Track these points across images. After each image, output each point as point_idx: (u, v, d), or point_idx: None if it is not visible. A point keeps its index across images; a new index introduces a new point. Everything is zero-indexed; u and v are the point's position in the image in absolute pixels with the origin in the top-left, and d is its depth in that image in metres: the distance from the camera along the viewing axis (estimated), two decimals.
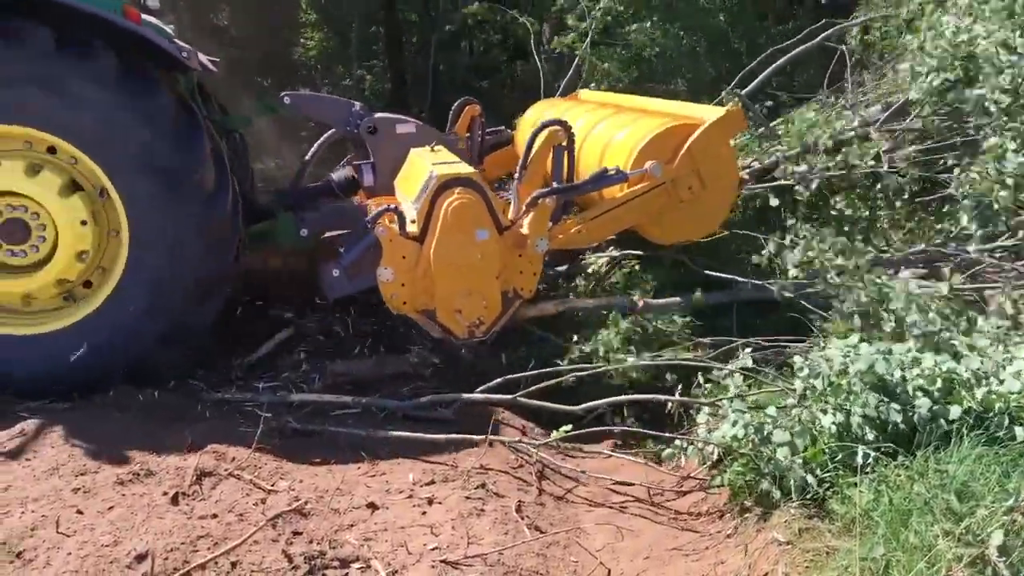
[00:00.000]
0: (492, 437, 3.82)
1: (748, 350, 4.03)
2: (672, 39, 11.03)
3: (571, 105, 6.58)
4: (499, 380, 4.49)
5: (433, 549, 2.98)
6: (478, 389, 4.29)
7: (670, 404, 4.10)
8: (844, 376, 3.10)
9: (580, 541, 3.34)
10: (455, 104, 6.19)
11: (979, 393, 2.90)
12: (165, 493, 3.21)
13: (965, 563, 2.12)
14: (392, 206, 4.38)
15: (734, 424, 3.35)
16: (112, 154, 3.97)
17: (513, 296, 4.59)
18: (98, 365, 4.06)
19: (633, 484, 3.81)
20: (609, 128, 5.30)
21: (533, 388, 4.27)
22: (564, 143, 4.64)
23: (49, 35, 3.79)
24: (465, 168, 4.55)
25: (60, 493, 3.18)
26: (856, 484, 2.83)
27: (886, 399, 2.98)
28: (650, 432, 3.95)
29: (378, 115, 5.35)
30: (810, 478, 3.04)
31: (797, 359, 3.47)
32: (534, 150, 4.64)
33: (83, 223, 4.04)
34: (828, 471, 3.01)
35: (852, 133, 5.67)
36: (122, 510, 3.06)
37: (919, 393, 2.95)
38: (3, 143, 3.97)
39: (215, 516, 3.11)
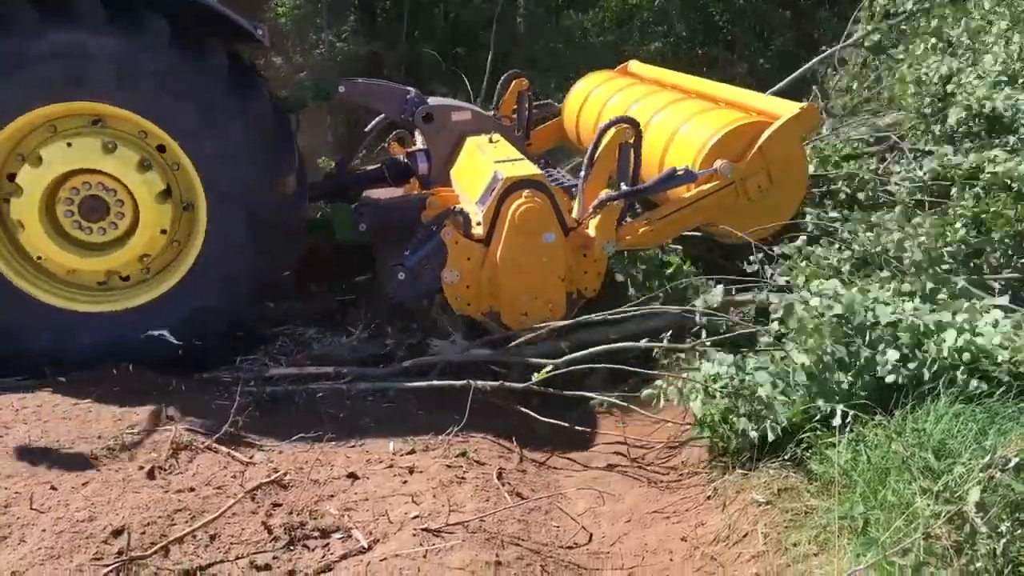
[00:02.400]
0: (476, 382, 3.85)
1: (720, 288, 4.02)
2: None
3: (627, 82, 6.28)
4: (481, 340, 4.48)
5: (414, 517, 2.97)
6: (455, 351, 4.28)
7: (656, 352, 4.09)
8: (820, 319, 3.10)
9: (562, 506, 3.35)
10: (503, 78, 6.10)
11: (950, 341, 2.92)
12: (141, 467, 3.16)
13: (943, 520, 2.13)
14: (457, 207, 4.36)
15: (712, 363, 3.36)
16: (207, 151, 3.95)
17: (577, 297, 4.53)
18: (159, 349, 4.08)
19: (616, 443, 3.83)
20: (672, 118, 5.11)
21: (517, 341, 4.24)
22: (631, 140, 4.52)
23: (165, 26, 3.74)
24: (531, 168, 4.48)
25: (34, 469, 3.12)
26: (834, 444, 2.85)
27: (859, 343, 3.00)
28: (630, 369, 3.90)
29: (433, 101, 5.22)
30: (783, 415, 3.06)
31: (773, 299, 3.46)
32: (601, 147, 4.51)
33: (162, 232, 4.08)
34: (806, 431, 3.03)
35: None
36: (97, 485, 3.01)
37: (895, 337, 2.98)
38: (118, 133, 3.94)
39: (192, 489, 3.07)
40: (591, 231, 4.49)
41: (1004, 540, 2.12)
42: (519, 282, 4.29)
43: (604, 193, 4.47)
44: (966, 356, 2.93)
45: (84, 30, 3.67)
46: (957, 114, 5.19)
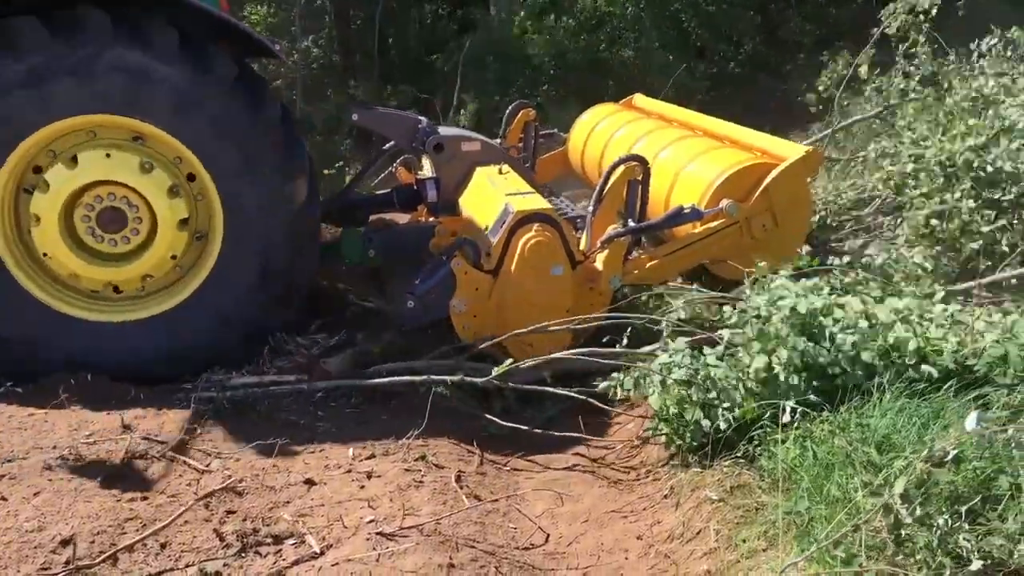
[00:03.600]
0: (434, 377, 3.82)
1: (681, 301, 4.09)
2: (617, 6, 11.02)
3: (632, 116, 6.46)
4: (446, 348, 4.49)
5: (369, 522, 2.97)
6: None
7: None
8: (770, 322, 3.14)
9: (520, 507, 3.36)
10: (509, 108, 6.27)
11: (897, 332, 2.97)
12: (94, 477, 3.14)
13: (876, 512, 2.16)
14: (468, 239, 4.42)
15: (668, 353, 3.39)
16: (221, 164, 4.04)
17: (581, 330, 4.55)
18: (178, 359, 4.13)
19: (577, 443, 3.84)
20: (678, 155, 5.21)
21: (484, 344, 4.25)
22: (640, 178, 4.61)
23: (175, 35, 3.83)
24: (542, 202, 4.53)
25: None
26: (783, 440, 2.88)
27: (811, 342, 3.04)
28: (585, 356, 3.92)
29: (443, 131, 5.31)
30: (736, 407, 3.08)
31: (726, 309, 3.50)
32: (610, 183, 4.60)
33: (172, 256, 4.16)
34: (758, 428, 3.06)
35: None
36: (49, 495, 2.99)
37: (842, 333, 3.02)
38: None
39: (145, 498, 3.06)
40: (598, 265, 4.54)
41: (940, 532, 2.15)
42: (526, 314, 4.27)
43: (612, 229, 4.55)
44: (912, 345, 2.98)
45: (152, 54, 3.80)
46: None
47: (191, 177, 4.09)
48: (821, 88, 7.51)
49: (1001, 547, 2.23)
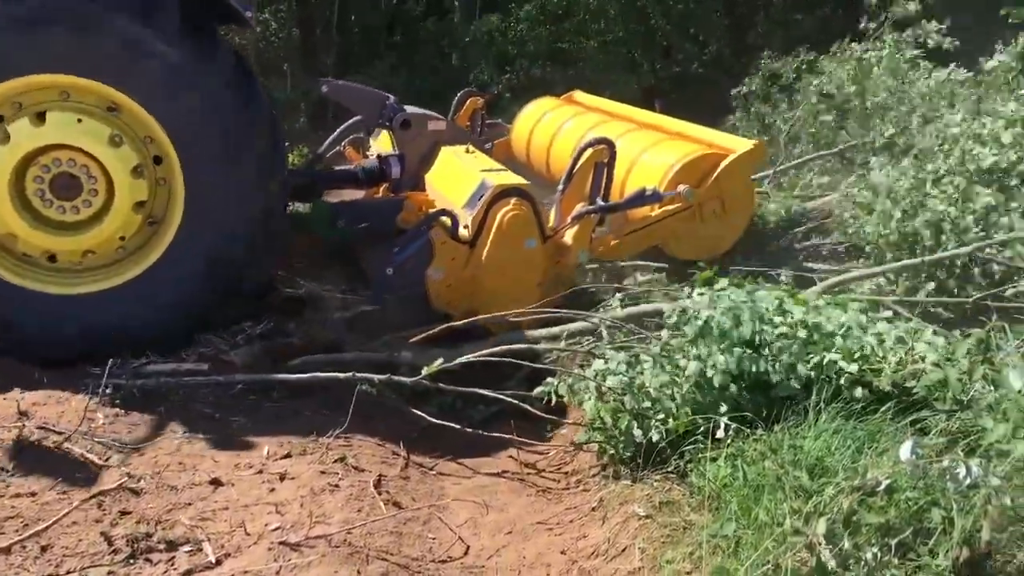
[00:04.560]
0: (359, 375, 3.62)
1: (618, 296, 3.99)
2: None
3: (576, 110, 6.77)
4: (375, 343, 4.32)
5: (275, 529, 2.78)
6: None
7: (556, 354, 4.00)
8: (708, 326, 3.02)
9: (442, 516, 3.19)
10: (458, 95, 6.42)
11: (837, 345, 2.87)
12: None
13: (799, 548, 2.04)
14: (448, 209, 4.54)
15: (605, 360, 3.27)
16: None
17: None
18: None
19: (509, 448, 3.68)
20: (631, 145, 5.53)
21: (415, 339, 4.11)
22: (606, 160, 4.87)
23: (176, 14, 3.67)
24: (518, 178, 4.74)
25: None
26: (715, 458, 2.76)
27: (748, 350, 2.93)
28: (520, 362, 3.79)
29: (410, 110, 5.43)
30: (669, 419, 2.96)
31: (665, 308, 3.38)
32: (579, 164, 4.85)
33: (121, 238, 3.97)
34: (690, 440, 2.94)
35: None
36: None
37: (778, 343, 2.92)
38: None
39: (33, 495, 2.83)
40: (568, 240, 4.78)
41: (868, 568, 2.04)
42: (499, 284, 4.47)
43: (580, 206, 4.79)
44: (852, 368, 2.88)
45: (151, 29, 3.65)
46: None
47: (157, 160, 3.91)
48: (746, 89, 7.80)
49: None
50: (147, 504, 2.87)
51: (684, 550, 2.62)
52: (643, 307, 4.10)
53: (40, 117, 3.70)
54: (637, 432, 3.09)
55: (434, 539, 3.03)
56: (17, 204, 3.77)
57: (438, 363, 3.61)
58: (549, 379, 3.59)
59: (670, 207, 5.08)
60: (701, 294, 3.43)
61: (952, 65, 6.33)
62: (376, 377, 3.64)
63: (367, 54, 12.23)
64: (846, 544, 2.07)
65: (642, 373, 3.24)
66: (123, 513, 2.79)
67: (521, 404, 3.65)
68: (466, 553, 2.97)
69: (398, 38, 13.18)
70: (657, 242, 5.28)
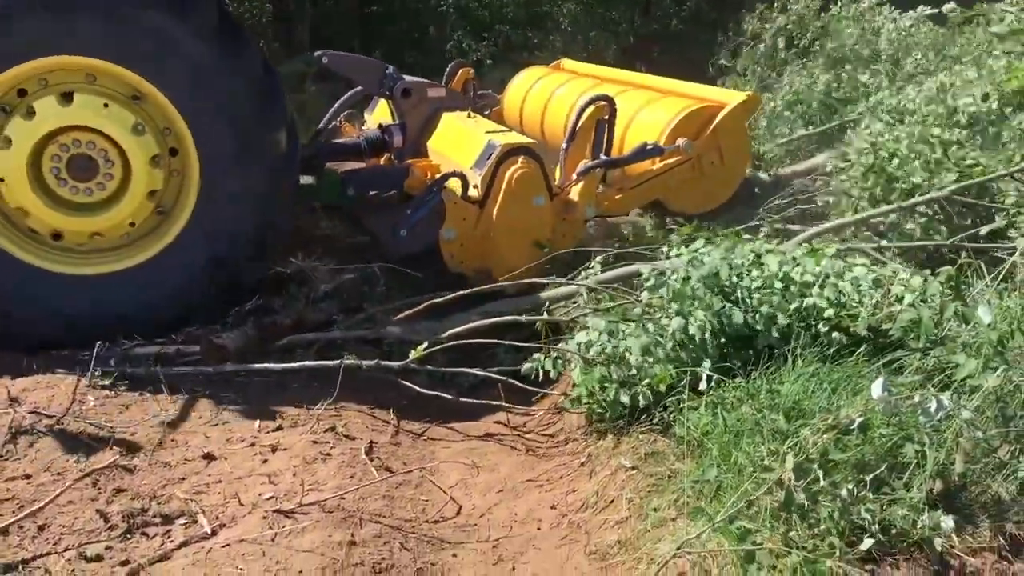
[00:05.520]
0: (347, 361, 3.64)
1: (599, 259, 4.05)
2: None
3: (566, 77, 6.81)
4: (361, 316, 4.35)
5: (269, 498, 2.82)
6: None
7: (538, 325, 4.01)
8: (687, 283, 3.05)
9: (434, 479, 3.24)
10: (449, 67, 6.34)
11: (813, 294, 2.91)
12: None
13: (774, 481, 2.10)
14: (457, 170, 4.64)
15: (586, 331, 3.30)
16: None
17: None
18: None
19: (498, 411, 3.73)
20: (626, 105, 5.58)
21: (399, 316, 4.15)
22: (607, 117, 4.97)
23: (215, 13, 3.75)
24: (524, 138, 4.88)
25: None
26: (696, 407, 2.81)
27: (728, 305, 2.97)
28: (505, 342, 3.84)
29: (409, 79, 5.46)
30: (661, 386, 3.01)
31: (644, 269, 3.41)
32: (581, 121, 4.95)
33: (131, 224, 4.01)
34: (674, 393, 2.99)
35: None
36: None
37: (757, 293, 2.96)
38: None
39: (28, 477, 2.86)
40: (574, 196, 4.90)
41: (843, 503, 2.10)
42: (510, 241, 4.63)
43: (584, 163, 4.91)
44: (829, 312, 2.92)
45: (186, 25, 3.73)
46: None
47: (172, 152, 3.97)
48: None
49: (905, 517, 2.20)
50: (141, 480, 2.91)
51: (669, 497, 2.68)
52: (619, 271, 4.12)
53: (67, 97, 3.74)
54: (624, 399, 3.13)
55: (426, 501, 3.09)
56: (32, 179, 3.80)
57: (422, 347, 3.64)
58: (536, 354, 3.60)
59: (670, 160, 5.23)
60: (679, 254, 3.46)
61: (920, 7, 6.35)
62: (364, 363, 3.67)
63: (343, 27, 12.09)
64: (822, 482, 2.12)
65: (625, 339, 3.26)
66: (118, 490, 2.83)
67: (509, 380, 3.67)
68: (458, 513, 3.03)
69: (374, 9, 13.03)
70: (659, 195, 5.42)
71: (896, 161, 4.21)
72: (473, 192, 4.64)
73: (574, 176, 4.91)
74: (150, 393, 3.54)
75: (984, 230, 3.83)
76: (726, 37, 8.42)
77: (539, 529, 2.92)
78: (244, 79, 3.90)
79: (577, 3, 11.05)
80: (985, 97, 4.29)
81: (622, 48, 11.35)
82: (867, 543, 1.98)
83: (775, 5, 7.80)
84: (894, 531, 2.18)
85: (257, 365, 3.74)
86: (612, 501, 2.89)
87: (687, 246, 3.38)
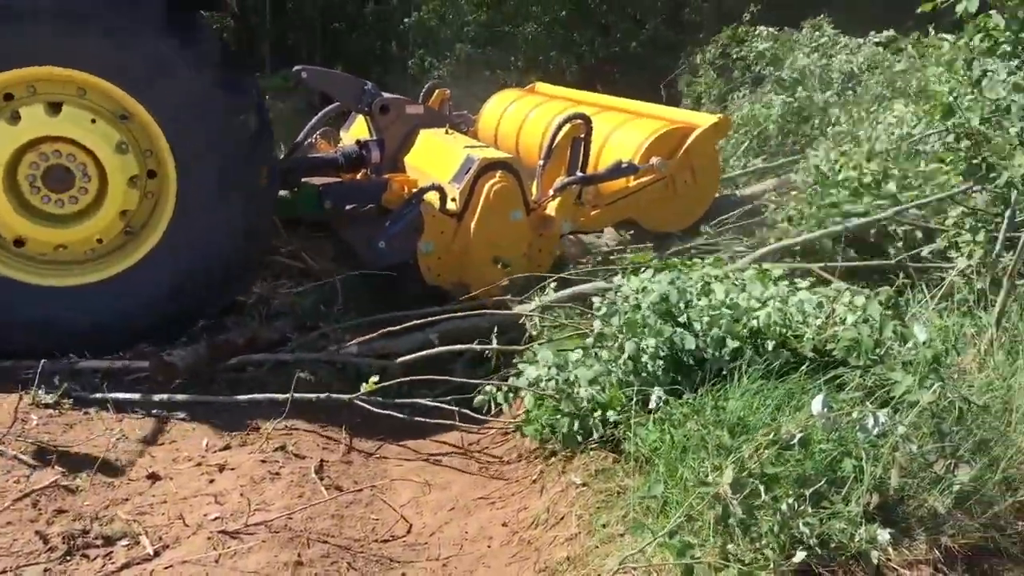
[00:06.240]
0: (297, 395, 3.58)
1: (553, 284, 4.06)
2: None
3: (541, 99, 7.02)
4: (314, 334, 4.32)
5: (214, 519, 2.78)
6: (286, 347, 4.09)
7: (487, 354, 4.02)
8: (638, 311, 3.10)
9: (385, 497, 3.23)
10: (425, 87, 6.60)
11: (761, 317, 2.97)
12: None
13: (711, 495, 2.13)
14: (436, 184, 4.67)
15: (536, 365, 3.31)
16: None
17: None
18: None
19: (451, 430, 3.72)
20: (600, 126, 5.68)
21: (351, 343, 4.14)
22: (583, 135, 5.08)
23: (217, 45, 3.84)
24: (501, 153, 4.98)
25: None
26: (645, 424, 2.84)
27: (678, 329, 3.01)
28: (456, 379, 3.84)
29: (388, 95, 5.63)
30: (611, 413, 3.03)
31: (595, 299, 3.44)
32: (558, 139, 5.05)
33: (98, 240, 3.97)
34: (624, 411, 3.02)
35: None
36: None
37: (706, 318, 3.00)
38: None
39: None
40: (551, 211, 5.01)
41: (782, 517, 2.14)
42: (488, 255, 4.68)
43: (561, 179, 5.01)
44: (775, 331, 2.99)
45: (185, 54, 3.77)
46: None
47: (151, 174, 3.95)
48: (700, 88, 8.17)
49: (843, 530, 2.25)
50: (83, 501, 2.85)
51: (618, 513, 2.71)
52: (570, 291, 4.18)
53: (55, 108, 3.72)
54: (576, 429, 3.13)
55: (376, 519, 3.07)
56: (6, 185, 3.75)
57: (373, 380, 3.61)
58: (488, 387, 3.59)
59: (644, 179, 5.39)
60: (630, 282, 3.49)
61: (871, 33, 6.58)
62: (315, 396, 3.63)
63: (304, 43, 12.07)
64: (763, 496, 2.16)
65: (576, 368, 3.26)
66: (59, 511, 2.76)
67: (461, 410, 3.64)
68: (409, 531, 3.02)
69: (336, 25, 13.03)
70: (634, 214, 5.58)
71: (840, 191, 4.34)
72: (452, 205, 4.69)
73: (551, 192, 5.01)
74: (96, 411, 3.46)
75: (925, 250, 3.94)
76: (686, 62, 8.60)
77: (489, 547, 2.92)
78: (237, 115, 3.91)
79: (538, 24, 11.17)
80: (917, 122, 4.44)
81: (583, 67, 11.50)
82: (800, 555, 2.02)
83: (731, 31, 8.01)
84: (833, 544, 2.23)
85: (202, 397, 3.68)
86: (562, 518, 2.90)
87: (636, 274, 3.41)
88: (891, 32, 6.19)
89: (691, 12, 11.87)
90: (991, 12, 3.94)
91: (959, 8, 3.56)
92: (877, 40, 6.84)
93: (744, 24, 8.02)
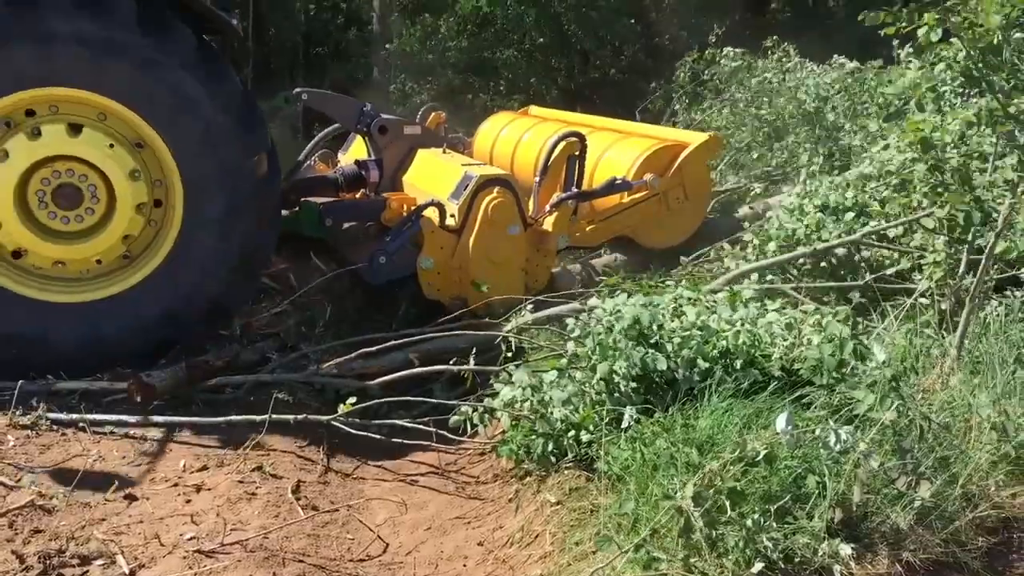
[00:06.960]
0: (275, 416, 3.61)
1: (530, 306, 4.13)
2: (499, 6, 11.04)
3: (534, 121, 7.09)
4: (294, 355, 4.35)
5: (190, 539, 2.80)
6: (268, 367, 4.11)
7: (464, 374, 4.06)
8: (611, 333, 3.16)
9: (361, 517, 3.25)
10: (421, 110, 6.59)
11: (730, 337, 3.04)
12: None
13: (675, 515, 2.19)
14: (435, 200, 4.80)
15: (511, 386, 3.36)
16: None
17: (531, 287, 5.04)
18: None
19: (428, 450, 3.76)
20: (594, 145, 5.76)
21: (330, 363, 4.17)
22: (578, 153, 5.22)
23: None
24: (498, 170, 5.16)
25: None
26: (617, 442, 2.90)
27: (650, 351, 3.08)
28: (432, 400, 3.89)
29: (386, 116, 5.76)
30: (584, 435, 3.09)
31: (569, 321, 3.51)
32: (554, 157, 5.17)
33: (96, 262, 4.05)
34: (597, 431, 3.07)
35: None
36: None
37: (678, 339, 3.07)
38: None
39: None
40: (547, 226, 5.14)
41: (746, 531, 2.20)
42: (486, 270, 4.78)
43: (557, 195, 5.15)
44: (743, 351, 3.06)
45: (202, 82, 3.90)
46: None
47: (157, 203, 4.05)
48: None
49: (806, 545, 2.31)
50: (60, 521, 2.86)
51: (591, 531, 2.75)
52: (543, 313, 4.25)
53: (75, 129, 3.82)
54: (551, 449, 3.19)
55: (352, 539, 3.09)
56: (15, 199, 3.82)
57: (351, 401, 3.65)
58: (464, 408, 3.63)
59: (638, 195, 5.50)
60: (604, 304, 3.56)
61: (835, 57, 6.78)
62: (292, 418, 3.65)
63: (287, 67, 12.16)
64: (729, 512, 2.22)
65: (552, 389, 3.31)
66: (35, 531, 2.77)
67: (439, 431, 3.68)
68: (384, 551, 3.05)
69: (319, 50, 13.14)
70: (628, 230, 5.68)
71: (809, 219, 4.47)
72: (450, 221, 4.80)
73: (547, 208, 5.13)
74: (73, 432, 3.47)
75: (891, 271, 4.05)
76: (659, 85, 8.78)
77: (465, 566, 2.95)
78: (250, 155, 4.03)
79: (518, 51, 11.34)
80: (886, 147, 4.58)
81: (563, 92, 11.66)
82: (757, 567, 2.08)
83: (704, 57, 8.20)
84: (797, 559, 2.29)
85: (180, 419, 3.69)
86: (537, 536, 2.94)
87: (611, 296, 3.49)
88: (855, 64, 6.39)
89: (669, 40, 12.10)
90: (951, 40, 4.08)
91: (920, 33, 3.66)
92: (843, 63, 7.06)
93: (711, 46, 8.24)
